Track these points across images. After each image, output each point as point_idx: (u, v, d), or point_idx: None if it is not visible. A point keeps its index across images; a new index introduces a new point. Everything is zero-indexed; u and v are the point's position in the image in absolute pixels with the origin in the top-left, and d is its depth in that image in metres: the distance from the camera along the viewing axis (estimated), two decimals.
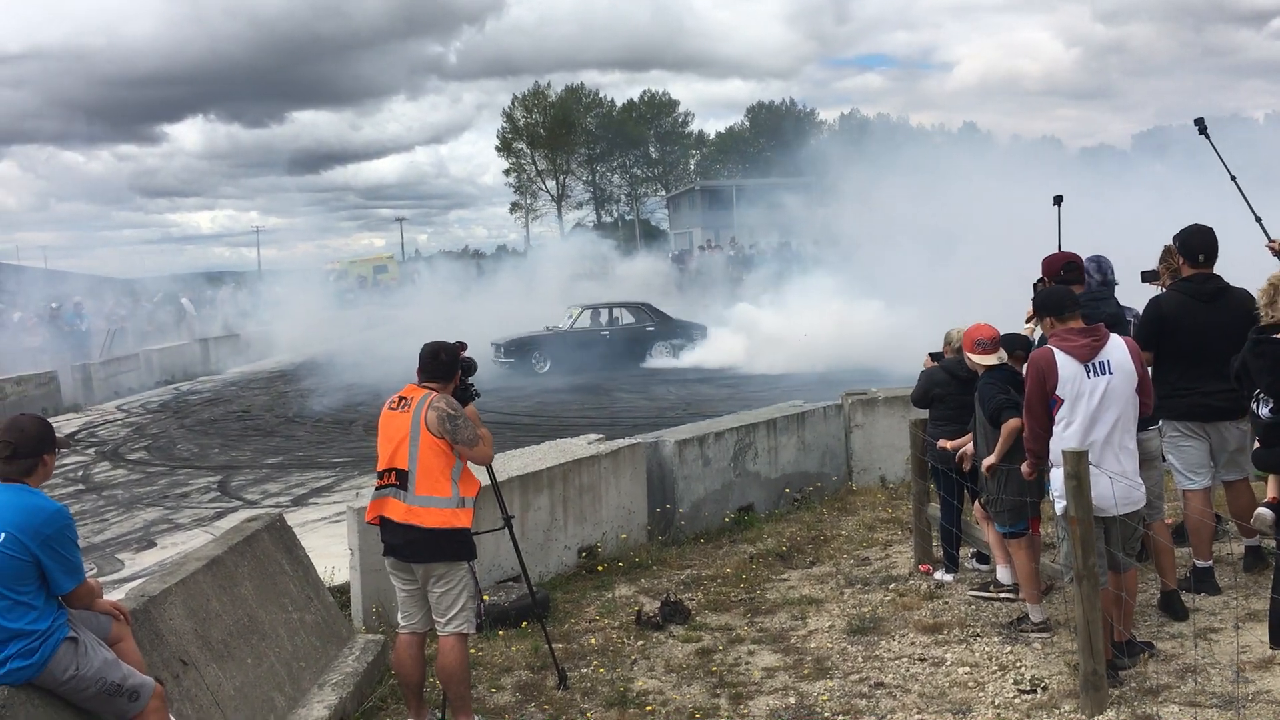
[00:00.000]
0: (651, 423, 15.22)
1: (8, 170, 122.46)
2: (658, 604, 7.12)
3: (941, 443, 7.09)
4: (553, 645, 6.16)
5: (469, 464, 5.40)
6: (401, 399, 5.38)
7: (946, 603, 6.98)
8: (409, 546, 5.20)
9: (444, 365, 5.46)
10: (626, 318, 24.94)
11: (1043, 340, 5.74)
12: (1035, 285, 6.64)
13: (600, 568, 8.12)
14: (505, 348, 23.36)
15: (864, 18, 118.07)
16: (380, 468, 5.31)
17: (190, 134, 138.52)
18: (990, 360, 6.47)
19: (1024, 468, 5.71)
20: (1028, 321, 6.69)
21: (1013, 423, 6.00)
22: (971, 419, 6.74)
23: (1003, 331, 6.74)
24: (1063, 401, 5.27)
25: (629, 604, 7.36)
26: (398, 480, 5.21)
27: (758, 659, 6.27)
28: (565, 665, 6.10)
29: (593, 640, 6.69)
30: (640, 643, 6.65)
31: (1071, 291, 5.75)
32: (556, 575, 7.96)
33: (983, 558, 7.55)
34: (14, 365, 24.50)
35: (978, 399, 6.42)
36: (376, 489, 5.32)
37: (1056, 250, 6.96)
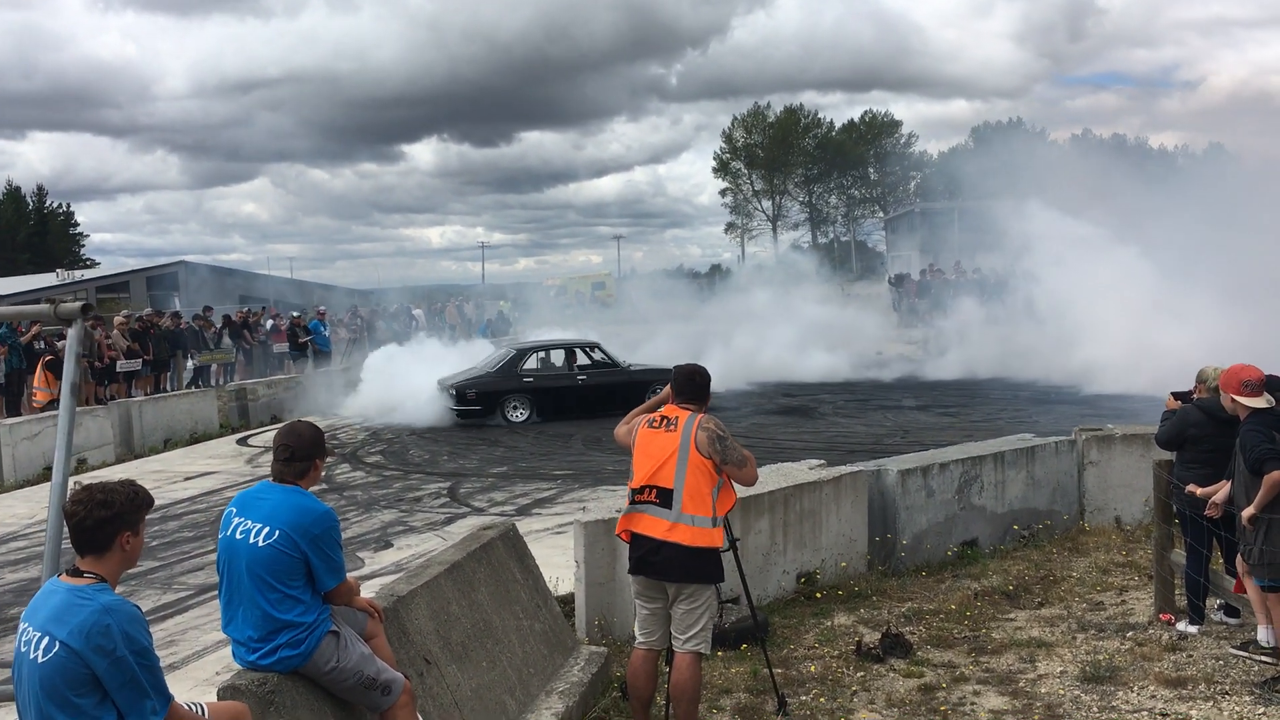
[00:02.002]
0: (869, 449, 15.01)
1: (262, 186, 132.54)
2: (878, 635, 7.02)
3: (1190, 488, 6.70)
4: (773, 670, 6.16)
5: (732, 483, 5.49)
6: (664, 418, 5.50)
7: (1190, 656, 6.60)
8: (666, 564, 5.29)
9: (699, 387, 5.60)
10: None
11: None
12: None
13: (819, 595, 8.06)
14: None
15: (1100, 35, 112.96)
16: (638, 484, 5.42)
17: (425, 153, 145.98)
18: (1257, 403, 6.04)
19: None
20: None
21: (1275, 475, 5.60)
22: (1229, 465, 6.35)
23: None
24: None
25: (848, 633, 7.28)
26: (658, 498, 5.32)
27: (984, 700, 6.10)
28: (784, 691, 6.09)
29: (812, 668, 6.65)
30: (860, 674, 6.56)
31: None
32: (774, 599, 7.95)
33: (1231, 610, 7.09)
34: (263, 369, 26.43)
35: (1240, 445, 6.02)
36: (632, 504, 5.43)
37: None
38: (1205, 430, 6.72)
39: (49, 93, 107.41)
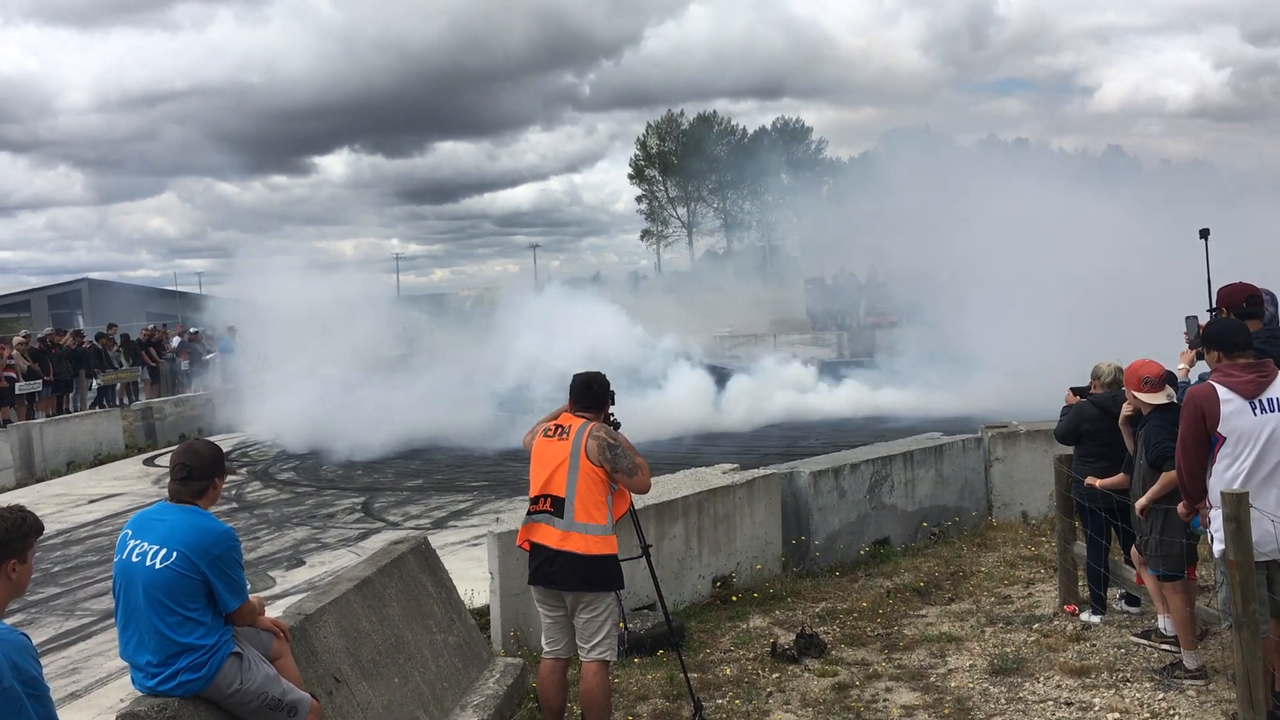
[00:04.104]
0: (784, 453, 15.15)
1: (169, 201, 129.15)
2: (793, 636, 7.09)
3: (1090, 480, 6.89)
4: (688, 675, 6.18)
5: (624, 490, 5.51)
6: (558, 427, 5.50)
7: (1094, 645, 6.77)
8: (561, 573, 5.29)
9: (596, 395, 5.60)
10: None
11: (1204, 376, 5.53)
12: (1189, 319, 6.43)
13: (734, 598, 8.12)
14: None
15: (1001, 43, 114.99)
16: (534, 493, 5.43)
17: (337, 165, 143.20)
18: (1158, 399, 6.18)
19: (1180, 508, 5.52)
20: (1190, 354, 6.42)
21: (1172, 475, 5.76)
22: (1126, 457, 6.53)
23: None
24: (1225, 439, 5.06)
25: (764, 635, 7.34)
26: (553, 507, 5.31)
27: (896, 696, 6.19)
28: (700, 695, 6.11)
29: (727, 671, 6.69)
30: (775, 675, 6.62)
31: (1246, 326, 5.50)
32: (691, 604, 7.98)
33: (1132, 599, 7.30)
34: (172, 386, 25.80)
35: (1143, 440, 6.18)
36: (529, 514, 5.44)
37: (1207, 286, 6.70)
38: (1100, 425, 6.91)
39: None
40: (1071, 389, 7.49)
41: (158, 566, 4.04)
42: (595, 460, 5.32)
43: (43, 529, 3.52)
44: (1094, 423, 6.96)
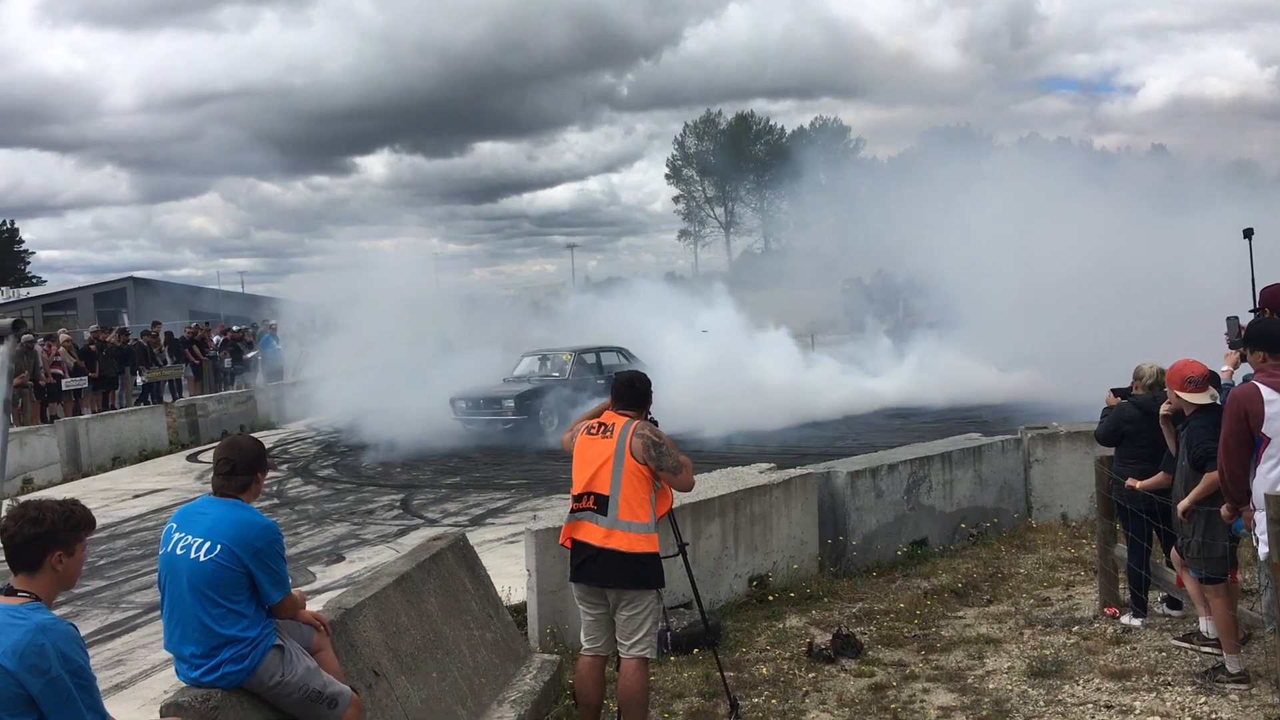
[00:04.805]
0: (821, 453, 15.10)
1: (212, 201, 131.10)
2: (829, 636, 7.07)
3: (1130, 481, 6.82)
4: (725, 673, 6.19)
5: (667, 489, 5.53)
6: (601, 425, 5.53)
7: (1134, 648, 6.71)
8: (604, 570, 5.32)
9: (639, 393, 5.63)
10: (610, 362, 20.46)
11: (1248, 378, 5.47)
12: (1230, 320, 6.36)
13: (771, 597, 8.11)
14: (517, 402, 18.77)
15: (1042, 41, 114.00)
16: (576, 491, 5.45)
17: (378, 165, 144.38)
18: (1202, 399, 6.11)
19: (1223, 511, 5.45)
20: (1234, 355, 6.35)
21: (1215, 476, 5.71)
22: (1165, 457, 6.47)
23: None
24: (1269, 440, 5.00)
25: (800, 635, 7.33)
26: (596, 505, 5.34)
27: (933, 698, 6.16)
28: (737, 694, 6.11)
29: (763, 670, 6.70)
30: (811, 675, 6.61)
31: None
32: (727, 603, 7.98)
33: (1173, 602, 7.22)
34: (215, 384, 26.13)
35: (1185, 440, 6.12)
36: (572, 512, 5.47)
37: (1251, 286, 6.64)
38: (1141, 426, 6.85)
39: None
40: (1112, 390, 7.42)
41: (202, 559, 4.11)
42: (640, 458, 5.35)
43: (94, 523, 3.57)
44: (1135, 424, 6.90)
